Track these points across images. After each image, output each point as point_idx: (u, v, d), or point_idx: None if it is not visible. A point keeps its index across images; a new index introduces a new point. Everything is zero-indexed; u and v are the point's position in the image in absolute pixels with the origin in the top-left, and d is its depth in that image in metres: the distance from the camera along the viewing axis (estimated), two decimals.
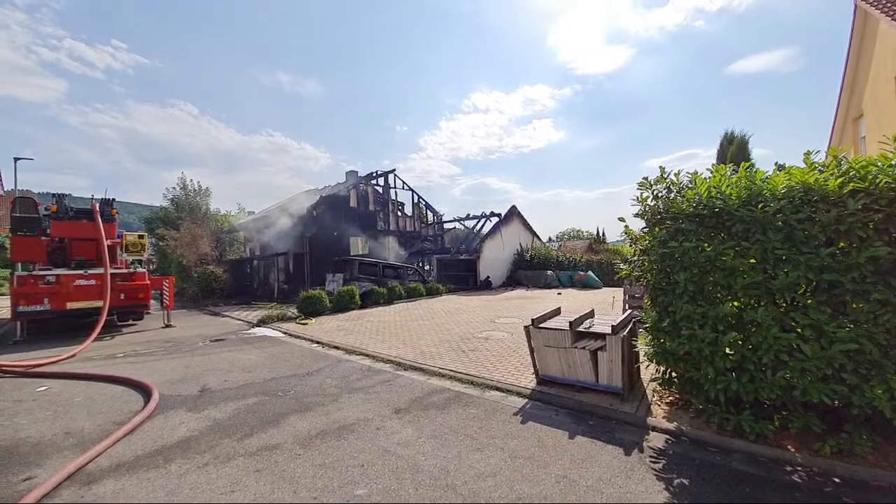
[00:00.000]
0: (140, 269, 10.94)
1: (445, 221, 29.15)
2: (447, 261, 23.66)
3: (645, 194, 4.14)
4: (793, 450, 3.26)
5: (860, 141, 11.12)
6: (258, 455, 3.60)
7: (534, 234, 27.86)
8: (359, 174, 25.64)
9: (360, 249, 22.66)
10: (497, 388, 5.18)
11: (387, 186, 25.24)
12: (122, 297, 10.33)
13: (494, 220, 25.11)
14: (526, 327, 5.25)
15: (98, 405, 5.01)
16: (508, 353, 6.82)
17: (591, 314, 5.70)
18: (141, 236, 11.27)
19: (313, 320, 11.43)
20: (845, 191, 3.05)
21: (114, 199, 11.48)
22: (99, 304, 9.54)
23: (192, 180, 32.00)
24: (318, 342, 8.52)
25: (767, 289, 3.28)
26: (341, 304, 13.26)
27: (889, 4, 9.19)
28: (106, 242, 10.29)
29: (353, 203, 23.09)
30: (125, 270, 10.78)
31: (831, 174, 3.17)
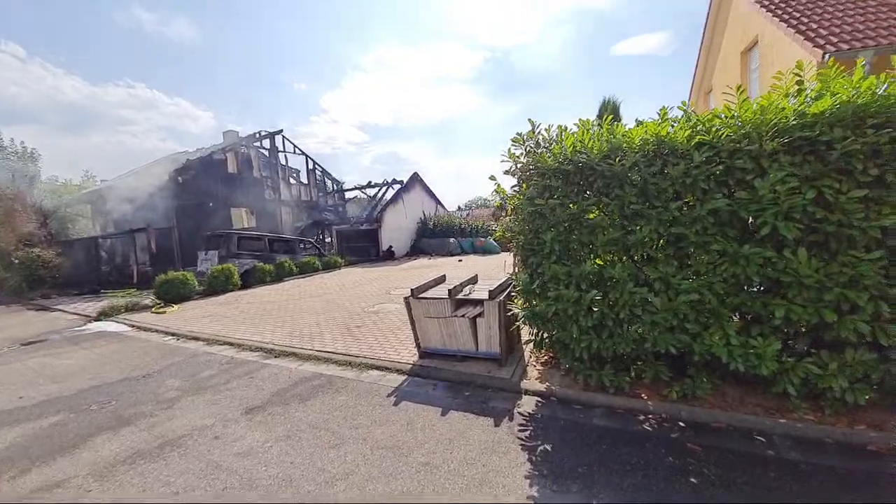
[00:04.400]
0: None
1: (346, 190, 27.40)
2: (348, 232, 22.39)
3: (517, 151, 3.85)
4: (645, 398, 3.40)
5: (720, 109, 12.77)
6: (29, 499, 2.62)
7: (437, 201, 27.75)
8: (239, 134, 22.32)
9: (246, 222, 20.12)
10: (376, 367, 4.73)
11: (274, 149, 22.48)
12: None
13: (397, 187, 24.27)
14: (406, 298, 4.82)
15: None
16: (396, 327, 6.40)
17: (473, 280, 5.50)
18: None
19: (175, 307, 9.68)
20: (692, 143, 3.06)
21: None
22: None
23: (12, 140, 24.82)
24: (173, 334, 7.12)
25: (624, 245, 3.25)
26: (216, 286, 11.52)
27: None
28: None
29: (231, 169, 20.11)
30: None
31: (681, 127, 3.16)
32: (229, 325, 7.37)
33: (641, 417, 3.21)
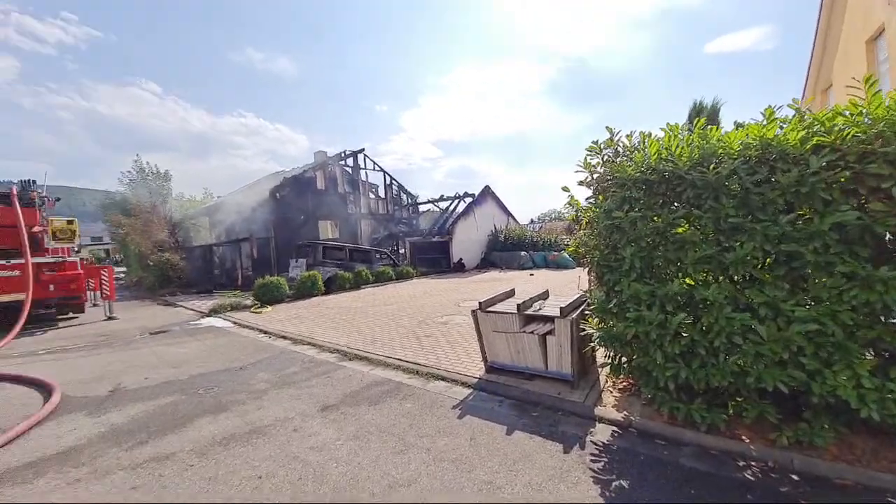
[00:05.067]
0: (71, 258, 9.98)
1: (419, 203, 28.42)
2: (420, 244, 23.10)
3: (593, 160, 3.66)
4: (747, 440, 2.93)
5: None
6: (143, 467, 3.07)
7: (509, 214, 27.45)
8: (327, 154, 24.50)
9: (330, 233, 21.84)
10: (442, 378, 4.75)
11: (356, 167, 24.24)
12: (52, 288, 9.42)
13: (468, 200, 24.54)
14: (473, 311, 4.80)
15: None
16: (464, 339, 6.39)
17: (544, 295, 5.29)
18: (70, 221, 10.25)
19: (269, 308, 10.78)
20: (807, 147, 2.63)
21: (33, 181, 10.34)
22: (22, 296, 8.63)
23: (148, 163, 30.18)
24: (265, 332, 7.92)
25: (720, 263, 2.88)
26: (303, 291, 12.61)
27: None
28: (29, 229, 9.28)
29: (320, 185, 22.08)
30: (53, 259, 9.80)
31: (793, 129, 2.74)
32: (312, 327, 8.00)
33: (741, 463, 2.76)
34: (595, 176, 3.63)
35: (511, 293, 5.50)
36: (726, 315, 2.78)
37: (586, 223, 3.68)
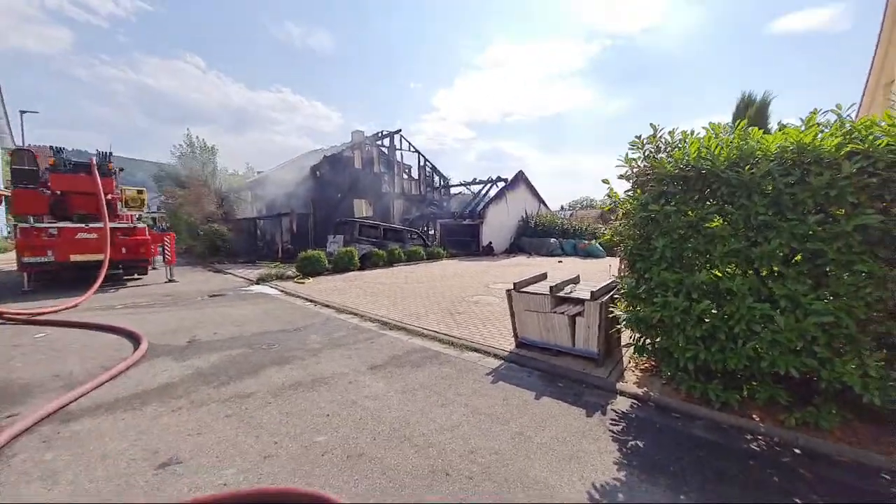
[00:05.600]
0: (140, 224, 11.06)
1: (451, 186, 28.70)
2: (450, 226, 23.51)
3: (634, 154, 3.90)
4: (757, 419, 3.23)
5: (893, 109, 10.32)
6: (230, 402, 3.71)
7: (541, 200, 27.33)
8: (364, 134, 25.07)
9: (364, 211, 22.59)
10: (475, 350, 5.21)
11: (392, 147, 24.72)
12: (124, 251, 10.52)
13: (501, 184, 24.61)
14: (508, 291, 5.19)
15: (89, 351, 5.19)
16: (494, 317, 6.83)
17: (575, 280, 5.60)
18: (140, 191, 11.32)
19: (311, 280, 11.58)
20: (842, 152, 2.80)
21: (111, 153, 11.43)
22: (100, 257, 9.73)
23: (198, 137, 31.85)
24: (311, 300, 8.65)
25: (747, 257, 3.12)
26: (340, 266, 13.37)
27: None
28: (105, 197, 10.36)
29: (357, 164, 22.76)
30: (126, 225, 10.92)
31: (831, 134, 2.91)
32: (353, 299, 8.65)
33: (749, 437, 3.07)
34: (635, 170, 3.87)
35: (543, 276, 5.84)
36: (748, 305, 3.05)
37: (623, 214, 3.96)
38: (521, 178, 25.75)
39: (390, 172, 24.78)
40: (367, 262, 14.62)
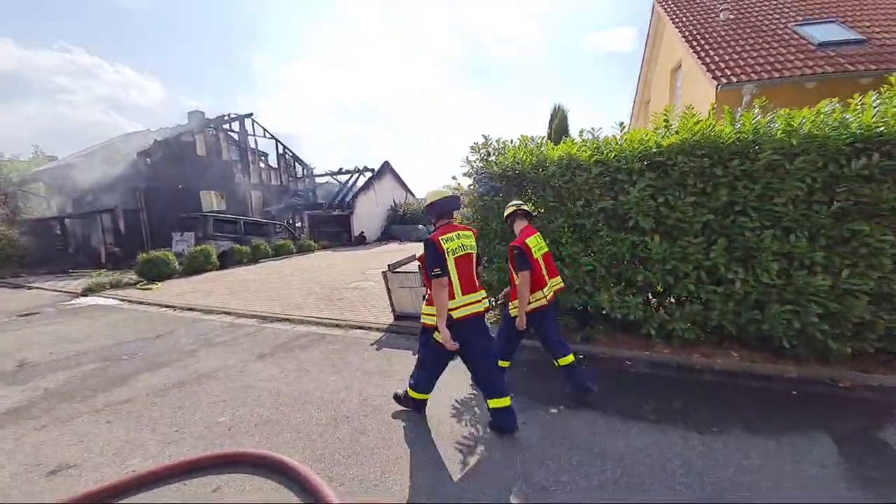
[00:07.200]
0: None
1: (317, 175, 27.67)
2: (320, 217, 22.92)
3: (473, 157, 5.06)
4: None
5: (649, 123, 14.50)
6: (106, 410, 3.60)
7: (407, 190, 28.64)
8: (206, 116, 22.06)
9: (215, 205, 20.20)
10: (360, 328, 5.86)
11: (244, 132, 22.47)
12: None
13: (368, 174, 24.94)
14: (383, 272, 5.96)
15: None
16: (373, 298, 7.54)
17: None
18: None
19: (160, 284, 10.27)
20: (592, 160, 4.37)
21: None
22: None
23: None
24: (168, 306, 7.88)
25: (544, 230, 4.56)
26: (195, 266, 12.07)
27: (675, 8, 11.64)
28: None
29: (200, 151, 20.06)
30: None
31: (587, 149, 4.47)
32: (219, 299, 8.20)
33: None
34: (474, 168, 5.03)
35: (412, 258, 6.79)
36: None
37: (468, 202, 5.10)
38: (387, 168, 26.49)
39: (243, 161, 22.54)
40: (228, 261, 13.46)
